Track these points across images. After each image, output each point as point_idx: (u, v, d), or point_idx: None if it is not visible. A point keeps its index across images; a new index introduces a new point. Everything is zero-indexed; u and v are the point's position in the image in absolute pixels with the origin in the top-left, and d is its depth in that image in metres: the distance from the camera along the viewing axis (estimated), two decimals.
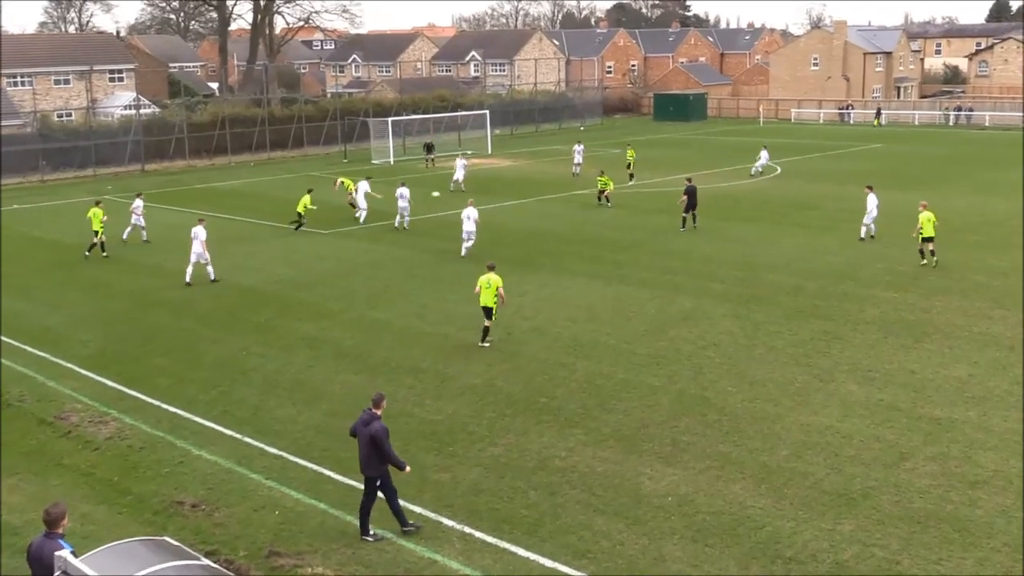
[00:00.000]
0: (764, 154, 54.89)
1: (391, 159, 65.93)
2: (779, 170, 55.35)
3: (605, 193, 43.43)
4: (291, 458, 17.21)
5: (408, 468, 14.24)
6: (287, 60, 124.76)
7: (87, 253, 34.90)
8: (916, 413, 18.61)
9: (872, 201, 34.46)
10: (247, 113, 73.59)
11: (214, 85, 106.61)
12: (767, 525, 14.40)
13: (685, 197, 37.46)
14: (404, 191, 38.88)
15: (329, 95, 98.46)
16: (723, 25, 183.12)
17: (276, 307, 27.59)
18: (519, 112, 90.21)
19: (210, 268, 30.46)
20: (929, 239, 30.32)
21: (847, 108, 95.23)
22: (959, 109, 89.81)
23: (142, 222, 37.78)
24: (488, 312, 22.98)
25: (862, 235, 34.85)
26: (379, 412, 13.98)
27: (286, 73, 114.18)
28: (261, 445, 17.82)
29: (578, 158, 55.65)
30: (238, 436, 18.28)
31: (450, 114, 78.76)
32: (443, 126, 79.69)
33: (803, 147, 69.40)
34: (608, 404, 19.48)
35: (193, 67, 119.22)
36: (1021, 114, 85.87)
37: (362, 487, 14.31)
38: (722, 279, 29.46)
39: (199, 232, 30.23)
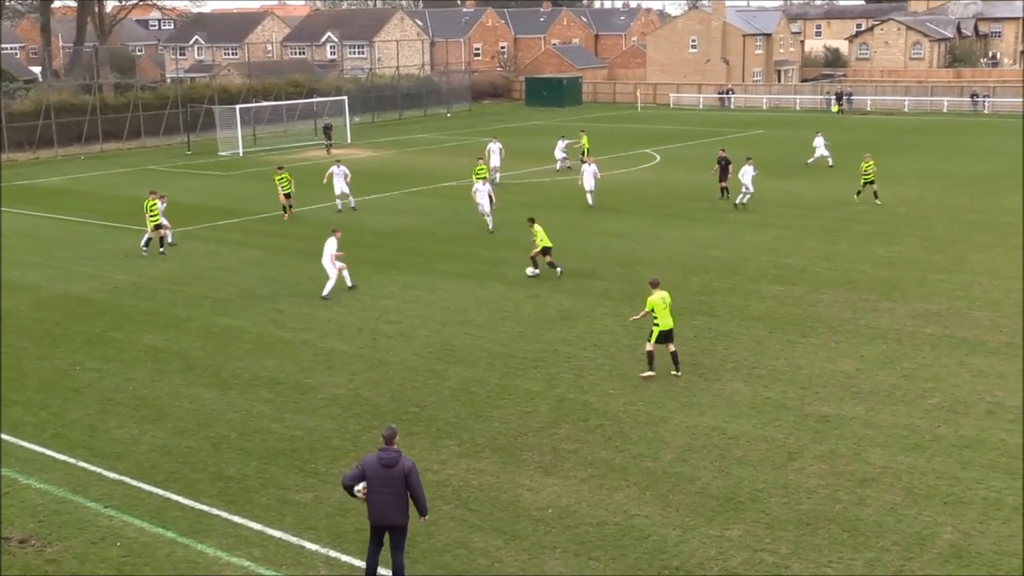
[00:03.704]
0: (820, 140, 53.11)
1: (240, 150, 64.82)
2: (658, 159, 56.51)
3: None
4: (133, 483, 16.77)
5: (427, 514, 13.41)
6: (120, 42, 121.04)
7: (162, 250, 34.39)
8: (804, 411, 19.29)
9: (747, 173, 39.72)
10: (75, 100, 71.31)
11: (36, 69, 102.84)
12: (653, 534, 14.72)
13: (718, 167, 42.35)
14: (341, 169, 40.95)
15: (169, 80, 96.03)
16: (597, 5, 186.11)
17: (112, 317, 26.82)
18: (380, 98, 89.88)
19: (346, 273, 28.87)
20: (871, 182, 40.52)
21: (727, 92, 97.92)
22: (840, 94, 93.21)
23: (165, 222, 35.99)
24: (671, 335, 21.15)
25: (737, 202, 40.16)
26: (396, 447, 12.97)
27: (119, 56, 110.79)
28: (99, 470, 17.31)
29: (560, 154, 52.61)
30: (72, 461, 17.71)
31: (305, 100, 77.89)
32: (297, 114, 78.72)
33: (683, 134, 71.06)
34: (483, 412, 19.58)
35: (11, 49, 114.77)
36: (904, 98, 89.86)
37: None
38: (602, 276, 29.94)
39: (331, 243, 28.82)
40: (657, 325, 21.04)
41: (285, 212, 40.19)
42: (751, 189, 39.77)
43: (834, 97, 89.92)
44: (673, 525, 14.96)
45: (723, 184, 42.14)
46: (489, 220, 36.64)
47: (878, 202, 40.04)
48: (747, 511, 15.34)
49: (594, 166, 41.49)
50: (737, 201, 40.11)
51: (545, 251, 29.61)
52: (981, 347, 22.79)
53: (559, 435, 18.39)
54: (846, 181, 47.33)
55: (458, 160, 55.90)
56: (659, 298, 21.08)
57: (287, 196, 39.98)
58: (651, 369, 21.27)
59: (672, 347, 21.29)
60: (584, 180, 41.19)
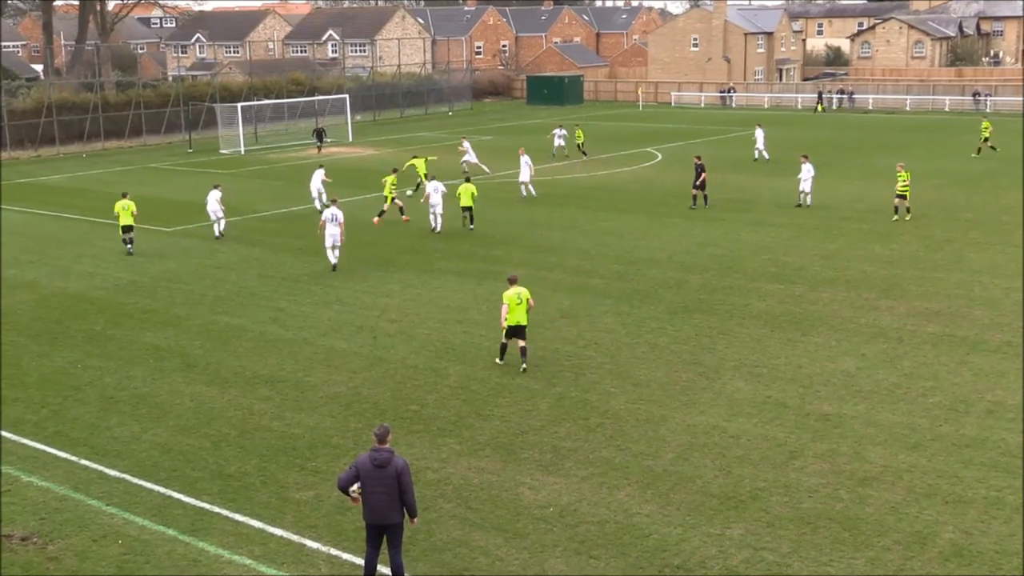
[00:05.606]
0: (759, 133, 54.45)
1: (241, 148, 64.79)
2: (660, 157, 56.43)
3: None
4: (134, 481, 16.76)
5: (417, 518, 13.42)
6: (122, 40, 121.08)
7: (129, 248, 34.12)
8: (804, 409, 19.27)
9: (807, 171, 39.67)
10: (77, 99, 71.28)
11: (38, 67, 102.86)
12: (653, 533, 14.70)
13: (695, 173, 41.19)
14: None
15: (170, 78, 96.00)
16: (598, 3, 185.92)
17: (112, 315, 26.80)
18: (382, 96, 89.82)
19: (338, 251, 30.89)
20: (902, 195, 37.18)
21: (729, 91, 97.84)
22: (841, 92, 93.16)
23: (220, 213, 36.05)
24: (522, 331, 21.31)
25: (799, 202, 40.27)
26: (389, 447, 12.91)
27: (121, 54, 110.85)
28: (100, 468, 17.30)
29: (559, 141, 58.02)
30: (73, 459, 17.70)
31: (306, 99, 77.83)
32: (299, 112, 78.68)
33: (685, 132, 71.00)
34: (484, 411, 19.57)
35: (13, 47, 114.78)
36: (906, 97, 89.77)
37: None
38: (601, 275, 29.92)
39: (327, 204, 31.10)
40: (506, 320, 21.26)
41: (403, 214, 38.35)
42: (807, 190, 39.64)
43: (817, 96, 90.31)
44: (674, 524, 14.95)
45: (701, 191, 40.57)
46: (435, 219, 36.48)
47: (907, 218, 37.05)
48: (748, 510, 15.32)
49: (527, 156, 43.72)
50: (799, 202, 39.89)
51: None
52: (981, 346, 22.76)
53: (559, 433, 18.37)
54: (841, 180, 47.35)
55: (458, 159, 55.81)
56: (513, 294, 21.19)
57: (391, 200, 37.86)
58: (501, 358, 22.00)
59: (523, 343, 21.45)
60: (521, 173, 43.33)
